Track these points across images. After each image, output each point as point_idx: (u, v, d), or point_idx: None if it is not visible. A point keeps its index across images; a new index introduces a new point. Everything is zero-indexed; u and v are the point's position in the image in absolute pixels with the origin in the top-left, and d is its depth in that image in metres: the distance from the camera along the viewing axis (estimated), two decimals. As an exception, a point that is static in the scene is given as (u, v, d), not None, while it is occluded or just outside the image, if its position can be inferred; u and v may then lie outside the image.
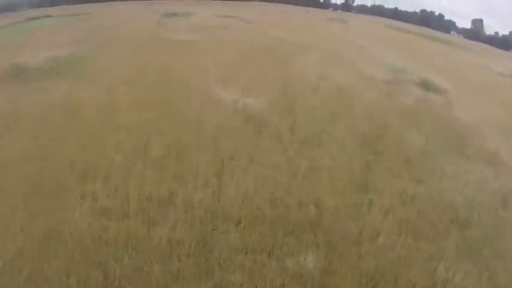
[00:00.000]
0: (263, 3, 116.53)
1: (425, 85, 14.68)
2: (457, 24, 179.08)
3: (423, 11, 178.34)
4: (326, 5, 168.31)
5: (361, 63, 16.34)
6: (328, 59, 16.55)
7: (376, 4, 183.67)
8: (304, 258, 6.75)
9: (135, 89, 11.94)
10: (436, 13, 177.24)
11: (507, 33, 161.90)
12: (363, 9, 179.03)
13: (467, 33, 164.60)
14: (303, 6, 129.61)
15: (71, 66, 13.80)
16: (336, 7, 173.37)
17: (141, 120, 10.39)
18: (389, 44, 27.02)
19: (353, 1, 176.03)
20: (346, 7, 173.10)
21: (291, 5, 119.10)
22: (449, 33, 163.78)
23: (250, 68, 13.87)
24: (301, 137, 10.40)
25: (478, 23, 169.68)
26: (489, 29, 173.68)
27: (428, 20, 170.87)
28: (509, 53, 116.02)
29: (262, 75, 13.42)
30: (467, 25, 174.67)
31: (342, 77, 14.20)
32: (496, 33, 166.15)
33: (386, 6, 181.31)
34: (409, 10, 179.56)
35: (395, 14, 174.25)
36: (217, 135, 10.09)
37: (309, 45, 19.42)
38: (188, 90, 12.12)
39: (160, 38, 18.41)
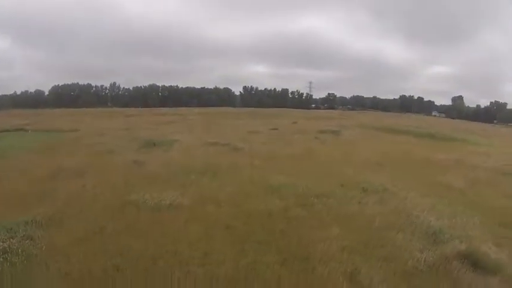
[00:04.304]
0: (247, 110, 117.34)
1: (472, 259, 9.98)
2: (436, 103, 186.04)
3: (402, 97, 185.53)
4: (308, 102, 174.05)
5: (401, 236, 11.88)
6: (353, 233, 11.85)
7: (355, 95, 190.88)
8: None
9: None
10: (415, 97, 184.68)
11: (488, 103, 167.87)
12: (344, 102, 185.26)
13: (448, 111, 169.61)
14: (288, 108, 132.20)
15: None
16: (316, 102, 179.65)
17: None
18: (404, 169, 22.32)
19: (334, 96, 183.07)
20: (328, 102, 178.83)
21: (274, 109, 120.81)
22: (430, 113, 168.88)
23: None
24: None
25: (458, 99, 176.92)
26: (470, 102, 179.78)
27: (409, 104, 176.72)
28: (495, 126, 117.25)
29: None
30: (447, 101, 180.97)
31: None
32: (478, 106, 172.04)
33: (365, 96, 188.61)
34: (389, 97, 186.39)
35: (375, 103, 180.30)
36: None
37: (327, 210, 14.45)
38: None
39: (127, 204, 13.84)
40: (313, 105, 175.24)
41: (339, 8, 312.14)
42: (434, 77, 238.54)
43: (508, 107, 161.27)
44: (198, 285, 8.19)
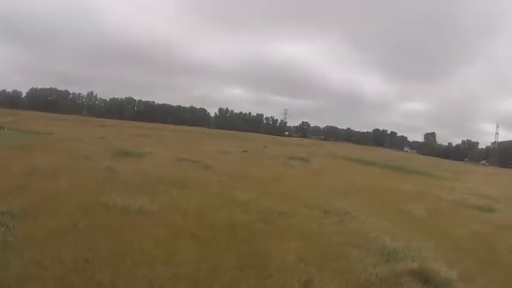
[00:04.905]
0: (220, 132, 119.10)
1: (423, 275, 10.87)
2: (409, 139, 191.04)
3: (376, 130, 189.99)
4: (282, 129, 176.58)
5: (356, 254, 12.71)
6: (312, 252, 12.71)
7: (329, 126, 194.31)
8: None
9: None
10: (389, 131, 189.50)
11: (460, 142, 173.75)
12: (317, 132, 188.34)
13: (420, 147, 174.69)
14: (262, 133, 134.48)
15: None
16: (290, 130, 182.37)
17: None
18: (368, 197, 23.30)
19: (308, 125, 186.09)
20: (302, 130, 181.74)
21: (247, 133, 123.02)
22: (402, 149, 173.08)
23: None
24: None
25: (430, 136, 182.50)
26: (442, 139, 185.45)
27: (382, 138, 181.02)
28: (466, 164, 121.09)
29: None
30: (420, 138, 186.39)
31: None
32: (450, 143, 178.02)
33: (339, 127, 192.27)
34: (362, 130, 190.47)
35: (349, 135, 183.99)
36: None
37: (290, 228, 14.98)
38: None
39: (98, 205, 14.50)
40: (287, 133, 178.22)
41: (320, 38, 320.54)
42: (409, 112, 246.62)
43: (480, 146, 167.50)
44: (162, 280, 8.89)
